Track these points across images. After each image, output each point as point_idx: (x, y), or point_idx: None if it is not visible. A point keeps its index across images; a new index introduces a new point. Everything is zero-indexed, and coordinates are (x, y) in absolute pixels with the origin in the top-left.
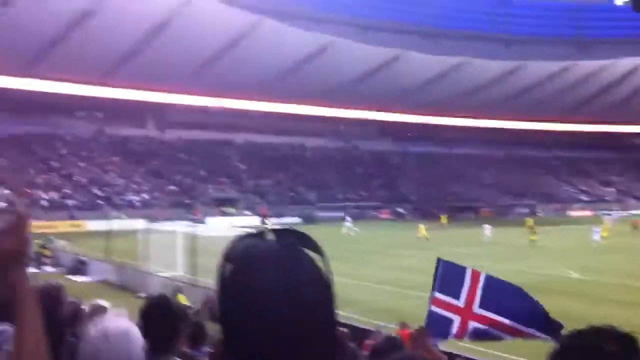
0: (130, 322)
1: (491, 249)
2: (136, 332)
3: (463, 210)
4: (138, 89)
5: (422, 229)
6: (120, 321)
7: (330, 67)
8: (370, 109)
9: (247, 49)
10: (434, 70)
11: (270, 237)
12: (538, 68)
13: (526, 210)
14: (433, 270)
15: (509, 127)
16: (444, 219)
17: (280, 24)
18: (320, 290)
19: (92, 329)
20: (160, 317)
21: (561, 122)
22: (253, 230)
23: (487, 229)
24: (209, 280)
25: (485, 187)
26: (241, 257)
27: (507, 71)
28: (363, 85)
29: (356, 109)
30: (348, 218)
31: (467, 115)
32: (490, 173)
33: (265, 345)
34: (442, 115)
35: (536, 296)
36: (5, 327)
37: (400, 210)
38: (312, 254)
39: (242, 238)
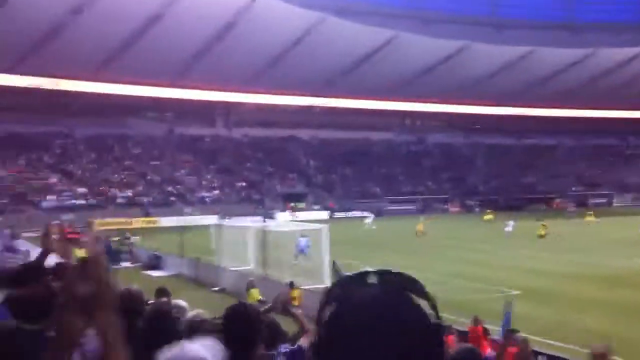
0: (207, 351)
1: (567, 241)
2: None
3: (534, 202)
4: (206, 89)
5: (420, 224)
6: (196, 348)
7: (395, 61)
8: (436, 101)
9: (311, 47)
10: (500, 60)
11: (373, 280)
12: (608, 55)
13: (603, 201)
14: (502, 265)
15: (579, 116)
16: (489, 215)
17: (343, 20)
18: (426, 338)
19: (167, 354)
20: (241, 327)
21: (633, 109)
22: (352, 274)
23: (510, 225)
24: (279, 274)
25: (557, 178)
26: (342, 302)
27: (576, 59)
28: (428, 78)
29: (422, 102)
30: (368, 214)
31: (536, 105)
32: (561, 163)
33: None
34: (510, 106)
35: (614, 290)
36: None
37: (470, 202)
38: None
39: (342, 281)
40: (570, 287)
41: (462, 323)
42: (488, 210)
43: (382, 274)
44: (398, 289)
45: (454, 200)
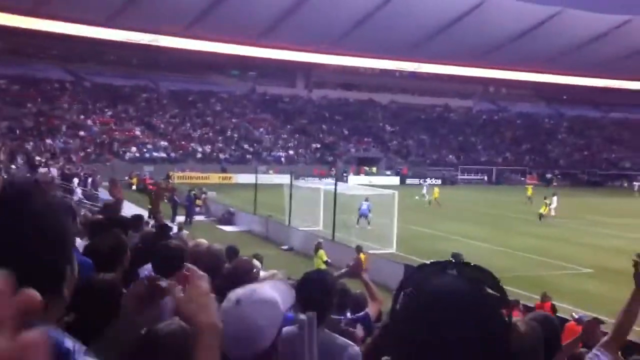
0: (278, 293)
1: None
2: (276, 303)
3: (615, 179)
4: (289, 49)
5: (436, 191)
6: (267, 289)
7: (483, 26)
8: (523, 69)
9: (397, 9)
10: (595, 29)
11: (452, 270)
12: None
13: None
14: (580, 242)
15: None
16: (529, 191)
17: None
18: (499, 332)
19: (237, 292)
20: (316, 295)
21: None
22: (433, 262)
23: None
24: (347, 237)
25: None
26: (419, 288)
27: None
28: (517, 45)
29: (508, 69)
30: (425, 181)
31: (627, 77)
32: None
33: None
34: (600, 77)
35: None
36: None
37: (549, 176)
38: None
39: (422, 267)
40: None
41: (530, 298)
42: (528, 185)
43: (461, 265)
44: (475, 282)
45: (532, 173)
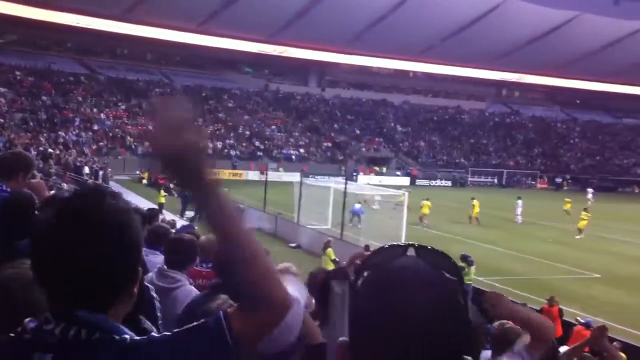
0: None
1: None
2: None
3: (627, 185)
4: (303, 47)
5: (425, 205)
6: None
7: (499, 29)
8: (537, 73)
9: (413, 10)
10: (611, 34)
11: (411, 252)
12: None
13: None
14: (590, 247)
15: None
16: (568, 205)
17: None
18: (458, 314)
19: None
20: (319, 292)
21: None
22: (392, 244)
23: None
24: (356, 236)
25: None
26: (378, 268)
27: None
28: (532, 49)
29: (522, 73)
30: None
31: None
32: None
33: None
34: (614, 83)
35: None
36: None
37: (559, 180)
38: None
39: (381, 250)
40: None
41: (538, 302)
42: (567, 199)
43: (421, 248)
44: (435, 265)
45: (543, 177)
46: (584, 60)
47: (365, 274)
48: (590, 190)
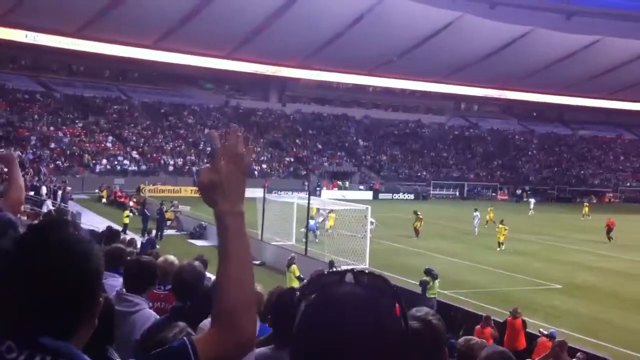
0: None
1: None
2: None
3: (584, 195)
4: (263, 63)
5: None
6: None
7: (456, 43)
8: (494, 87)
9: (371, 25)
10: (565, 48)
11: (349, 278)
12: None
13: None
14: (549, 257)
15: None
16: (586, 208)
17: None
18: (397, 337)
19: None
20: (288, 310)
21: None
22: (331, 270)
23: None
24: (320, 252)
25: (613, 172)
26: (319, 296)
27: None
28: (489, 63)
29: (480, 87)
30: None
31: (597, 96)
32: (619, 157)
33: None
34: (570, 95)
35: None
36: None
37: (519, 192)
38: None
39: (321, 276)
40: (616, 285)
41: (501, 314)
42: (586, 203)
43: (359, 274)
44: (374, 290)
45: (503, 189)
46: (539, 73)
47: (305, 303)
48: (532, 200)
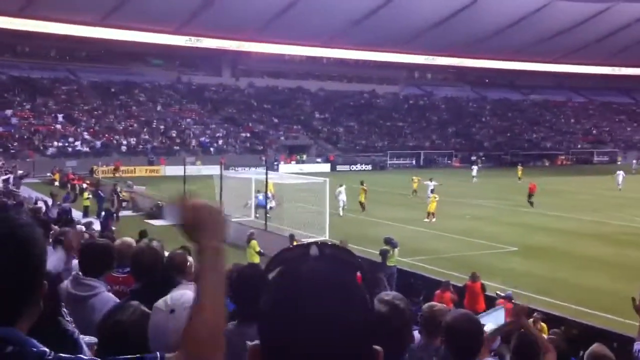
0: None
1: (569, 198)
2: None
3: (537, 159)
4: (214, 37)
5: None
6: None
7: (407, 12)
8: (446, 55)
9: None
10: (515, 14)
11: (314, 251)
12: (628, 9)
13: (606, 159)
14: (505, 221)
15: (591, 73)
16: (520, 172)
17: None
18: (363, 310)
19: (167, 299)
20: (248, 286)
21: None
22: (296, 244)
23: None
24: (280, 226)
25: (564, 135)
26: (285, 270)
27: (593, 13)
28: (439, 31)
29: (432, 55)
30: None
31: (547, 60)
32: (570, 120)
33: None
34: (521, 61)
35: (617, 248)
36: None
37: (473, 158)
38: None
39: (285, 250)
40: (567, 244)
41: (460, 279)
42: (519, 167)
43: (323, 246)
44: (336, 261)
45: (458, 156)
46: (490, 39)
47: (273, 278)
48: (475, 167)
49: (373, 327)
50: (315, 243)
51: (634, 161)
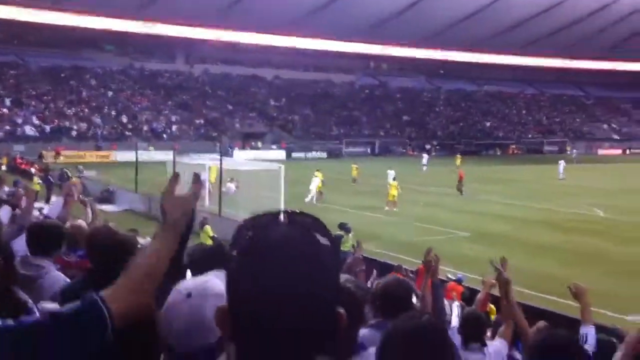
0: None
1: (519, 186)
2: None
3: (489, 148)
4: (168, 23)
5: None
6: (215, 282)
7: (363, 3)
8: (401, 45)
9: None
10: (470, 6)
11: (283, 218)
12: (580, 4)
13: (555, 149)
14: (458, 208)
15: (543, 65)
16: (458, 160)
17: None
18: (331, 276)
19: (188, 284)
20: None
21: (596, 59)
22: (264, 212)
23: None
24: (234, 212)
25: (516, 125)
26: (254, 236)
27: (547, 7)
28: (395, 22)
29: (387, 45)
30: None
31: (500, 52)
32: (521, 111)
33: (269, 322)
34: (475, 52)
35: (564, 235)
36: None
37: (427, 147)
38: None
39: (253, 218)
40: (518, 231)
41: (414, 263)
42: (458, 155)
43: (291, 213)
44: (305, 227)
45: (412, 144)
46: (446, 31)
47: (242, 244)
48: (425, 156)
49: (338, 293)
50: (285, 210)
51: (574, 151)
